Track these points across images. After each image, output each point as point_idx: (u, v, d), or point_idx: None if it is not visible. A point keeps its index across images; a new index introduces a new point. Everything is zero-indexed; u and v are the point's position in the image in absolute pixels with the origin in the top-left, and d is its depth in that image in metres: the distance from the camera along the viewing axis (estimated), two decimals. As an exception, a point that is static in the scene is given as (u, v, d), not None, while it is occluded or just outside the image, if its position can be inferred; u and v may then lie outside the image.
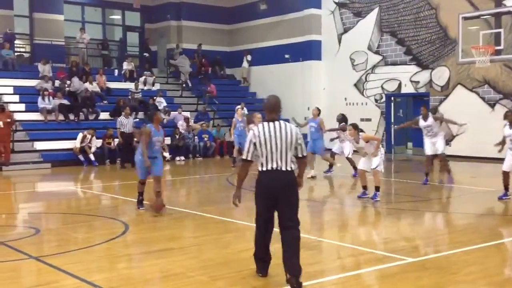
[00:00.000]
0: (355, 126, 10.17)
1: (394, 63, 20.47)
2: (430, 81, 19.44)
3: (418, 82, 19.85)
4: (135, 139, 16.35)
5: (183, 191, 13.00)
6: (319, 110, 14.36)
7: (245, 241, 7.26)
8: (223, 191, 12.02)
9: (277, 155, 5.18)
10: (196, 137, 19.59)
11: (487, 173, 14.23)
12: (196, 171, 16.97)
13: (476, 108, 17.98)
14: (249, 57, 24.78)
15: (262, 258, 5.53)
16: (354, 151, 12.37)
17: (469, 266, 5.89)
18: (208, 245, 7.04)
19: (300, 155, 5.32)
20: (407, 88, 20.17)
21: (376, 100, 21.09)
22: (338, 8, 22.16)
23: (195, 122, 20.56)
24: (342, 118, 13.66)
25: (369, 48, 21.17)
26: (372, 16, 21.03)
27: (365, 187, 10.37)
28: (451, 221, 8.92)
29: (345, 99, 21.61)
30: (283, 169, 5.19)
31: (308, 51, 22.68)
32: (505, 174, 10.29)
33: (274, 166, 5.18)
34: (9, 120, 16.10)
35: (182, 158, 18.81)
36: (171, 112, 20.58)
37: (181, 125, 19.65)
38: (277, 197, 5.19)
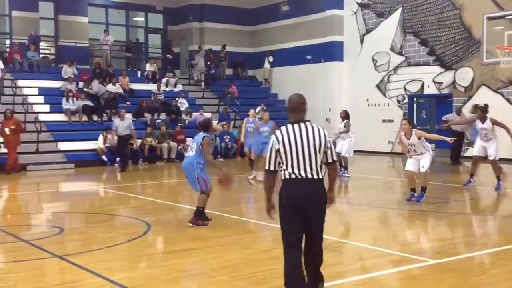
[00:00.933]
0: (409, 121, 9.85)
1: (417, 64, 20.29)
2: (454, 82, 19.22)
3: (441, 83, 19.63)
4: (131, 141, 16.48)
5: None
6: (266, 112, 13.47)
7: (266, 241, 7.29)
8: (244, 192, 12.05)
9: (304, 161, 4.57)
10: (217, 138, 19.67)
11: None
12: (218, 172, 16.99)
13: (501, 110, 17.66)
14: (270, 58, 24.80)
15: None
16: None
17: (493, 269, 5.82)
18: (229, 245, 7.07)
19: (330, 160, 4.68)
20: (430, 89, 19.97)
21: (398, 101, 20.92)
22: (361, 9, 22.05)
23: (218, 123, 20.65)
24: (346, 115, 13.65)
25: (392, 49, 21.01)
26: (395, 17, 20.87)
27: (413, 190, 9.98)
28: (476, 222, 8.80)
29: (367, 100, 21.49)
30: (312, 177, 4.56)
31: (330, 52, 22.60)
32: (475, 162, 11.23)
33: (302, 174, 4.56)
34: (14, 127, 15.46)
35: (204, 159, 18.89)
36: (193, 113, 20.70)
37: (203, 126, 19.70)
38: (306, 211, 4.55)
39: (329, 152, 4.66)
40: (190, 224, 8.06)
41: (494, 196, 11.18)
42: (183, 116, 20.50)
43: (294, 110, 4.81)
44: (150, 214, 9.21)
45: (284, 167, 4.60)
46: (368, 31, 21.83)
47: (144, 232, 7.71)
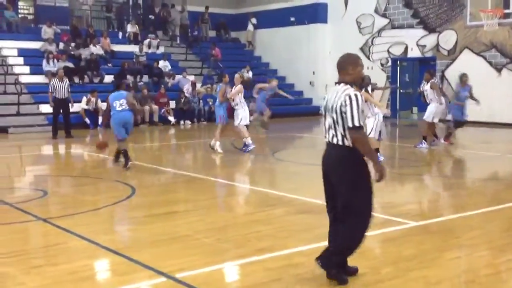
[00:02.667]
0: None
1: (400, 27, 20.22)
2: (437, 45, 19.23)
3: (424, 46, 19.63)
4: (70, 104, 15.47)
5: (189, 155, 13.07)
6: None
7: (250, 204, 7.36)
8: (228, 155, 12.07)
9: (326, 124, 4.37)
10: (201, 101, 19.55)
11: (495, 138, 14.18)
12: (201, 135, 17.01)
13: (483, 73, 17.81)
14: (254, 20, 24.50)
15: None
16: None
17: (472, 231, 5.95)
18: (213, 208, 7.12)
19: (349, 125, 4.16)
20: (414, 52, 19.98)
21: (382, 64, 20.91)
22: (345, -30, 21.76)
23: (201, 86, 20.50)
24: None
25: (376, 11, 20.88)
26: (380, -22, 20.66)
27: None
28: (456, 185, 8.95)
29: (351, 63, 21.38)
30: (330, 142, 4.33)
31: (314, 14, 22.39)
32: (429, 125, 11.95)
33: (326, 137, 4.38)
34: None
35: (188, 122, 18.84)
36: (176, 76, 20.50)
37: (187, 89, 19.59)
38: (326, 176, 4.41)
39: (344, 116, 4.18)
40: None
41: (476, 160, 11.35)
42: (166, 78, 20.29)
43: (338, 71, 4.40)
44: (134, 178, 9.20)
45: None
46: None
47: (128, 195, 7.72)
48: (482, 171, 10.26)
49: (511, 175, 10.16)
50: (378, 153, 11.44)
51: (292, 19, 23.05)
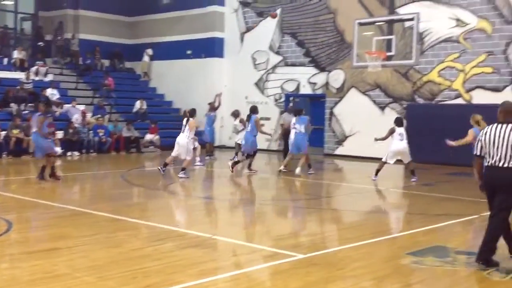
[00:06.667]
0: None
1: (293, 64, 20.97)
2: (327, 83, 20.12)
3: (315, 83, 20.47)
4: None
5: (75, 188, 12.46)
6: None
7: (138, 239, 7.10)
8: (118, 188, 11.68)
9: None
10: (91, 132, 18.87)
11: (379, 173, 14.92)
12: (90, 167, 16.36)
13: (368, 111, 18.87)
14: (150, 51, 24.29)
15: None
16: None
17: (356, 262, 6.14)
18: (98, 244, 6.78)
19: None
20: (306, 89, 20.75)
21: (275, 100, 21.49)
22: (241, 7, 22.34)
23: (92, 116, 19.81)
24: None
25: (271, 48, 21.54)
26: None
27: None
28: (342, 218, 9.27)
29: (246, 97, 21.80)
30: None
31: (211, 48, 22.65)
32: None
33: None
34: None
35: (76, 153, 18.05)
36: (64, 105, 19.69)
37: (76, 118, 18.85)
38: None
39: None
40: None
41: (361, 193, 11.86)
42: (54, 107, 19.39)
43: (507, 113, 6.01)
44: (13, 212, 8.58)
45: None
46: (248, 29, 22.19)
47: (4, 231, 7.16)
48: (367, 204, 10.73)
49: (392, 208, 10.72)
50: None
51: (189, 52, 23.14)
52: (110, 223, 8.11)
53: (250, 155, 13.81)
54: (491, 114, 16.46)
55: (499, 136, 5.75)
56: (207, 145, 17.41)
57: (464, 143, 10.38)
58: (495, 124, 5.89)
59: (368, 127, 18.20)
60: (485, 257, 5.83)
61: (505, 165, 5.70)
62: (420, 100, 18.07)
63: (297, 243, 7.03)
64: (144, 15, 24.83)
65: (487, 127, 5.99)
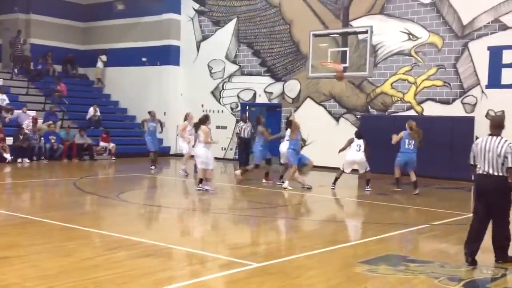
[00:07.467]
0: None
1: (250, 73, 21.06)
2: (283, 93, 20.29)
3: (271, 93, 20.61)
4: None
5: (25, 196, 12.10)
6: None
7: (90, 248, 6.94)
8: (69, 196, 11.40)
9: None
10: (42, 138, 18.39)
11: (331, 181, 15.12)
12: (41, 174, 15.92)
13: (323, 121, 19.13)
14: (104, 57, 23.92)
15: None
16: None
17: (310, 270, 6.18)
18: (48, 253, 6.59)
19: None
20: (262, 98, 20.86)
21: (232, 109, 21.51)
22: (197, 15, 22.31)
23: (43, 123, 19.31)
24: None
25: (227, 57, 21.57)
26: (230, 26, 21.47)
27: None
28: (297, 227, 9.32)
29: (202, 105, 21.73)
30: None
31: (166, 56, 22.51)
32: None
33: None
34: None
35: (26, 160, 17.54)
36: (15, 111, 19.13)
37: (27, 125, 18.34)
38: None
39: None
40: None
41: (316, 202, 11.97)
42: (3, 113, 18.83)
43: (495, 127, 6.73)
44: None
45: None
46: (205, 38, 22.17)
47: None
48: (322, 213, 10.85)
49: (346, 217, 10.87)
50: None
51: (144, 59, 22.91)
52: (61, 231, 7.90)
53: (266, 164, 14.38)
54: (442, 125, 16.96)
55: (488, 147, 6.47)
56: (151, 155, 16.96)
57: (398, 139, 13.18)
58: (486, 136, 6.60)
59: (323, 136, 18.44)
60: (501, 256, 6.62)
61: (495, 173, 6.41)
62: (374, 111, 18.46)
63: (252, 252, 7.03)
64: (98, 20, 24.47)
65: (479, 139, 6.67)
